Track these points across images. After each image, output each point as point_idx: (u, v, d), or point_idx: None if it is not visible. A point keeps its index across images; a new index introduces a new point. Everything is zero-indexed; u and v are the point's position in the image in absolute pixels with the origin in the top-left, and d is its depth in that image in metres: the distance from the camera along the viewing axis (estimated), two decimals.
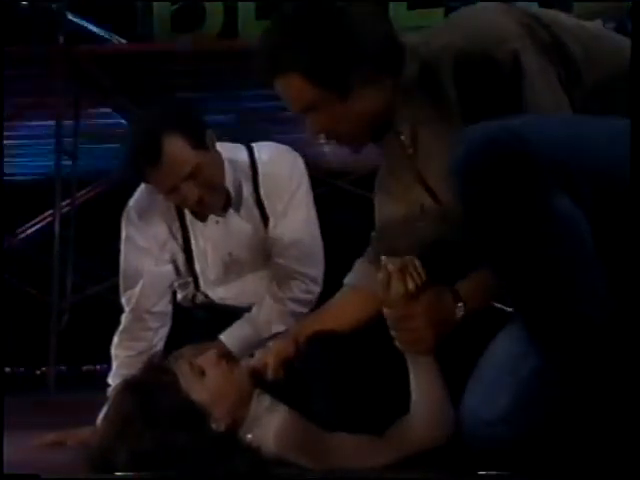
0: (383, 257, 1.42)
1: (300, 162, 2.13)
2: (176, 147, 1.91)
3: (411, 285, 1.39)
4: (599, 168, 1.18)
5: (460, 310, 1.40)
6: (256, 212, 2.09)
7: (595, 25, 1.40)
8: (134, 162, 1.95)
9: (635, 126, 1.17)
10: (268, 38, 1.44)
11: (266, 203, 2.08)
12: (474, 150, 1.18)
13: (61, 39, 4.25)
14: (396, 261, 1.40)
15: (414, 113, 1.43)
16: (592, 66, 1.33)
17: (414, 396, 1.41)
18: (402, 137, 1.47)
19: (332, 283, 2.08)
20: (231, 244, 2.11)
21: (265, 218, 2.09)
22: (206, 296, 2.19)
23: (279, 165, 2.10)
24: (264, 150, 2.14)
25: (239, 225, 2.09)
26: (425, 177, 1.48)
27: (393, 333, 1.41)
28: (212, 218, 2.09)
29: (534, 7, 1.47)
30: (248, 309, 2.14)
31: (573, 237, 1.16)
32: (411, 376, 1.42)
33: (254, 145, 2.15)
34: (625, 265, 1.16)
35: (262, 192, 2.08)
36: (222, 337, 2.05)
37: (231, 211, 2.08)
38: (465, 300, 1.39)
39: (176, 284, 2.18)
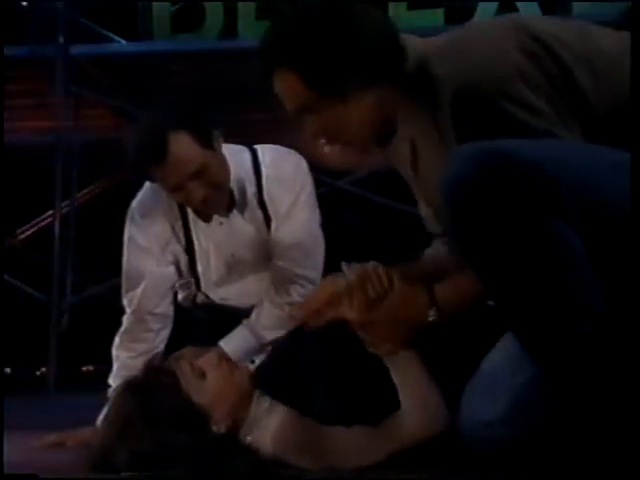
0: (344, 264, 1.43)
1: (304, 164, 2.12)
2: (182, 145, 1.91)
3: (372, 293, 1.40)
4: (592, 194, 1.17)
5: (432, 314, 1.40)
6: (259, 214, 2.09)
7: (616, 46, 1.34)
8: (139, 159, 1.94)
9: (636, 128, 1.16)
10: (267, 37, 1.44)
11: (269, 205, 2.08)
12: (462, 171, 1.18)
13: (61, 39, 4.26)
14: (357, 269, 1.41)
15: (414, 133, 1.41)
16: (602, 94, 1.29)
17: (399, 392, 1.42)
18: (405, 154, 1.46)
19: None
20: (234, 245, 2.10)
21: (268, 220, 2.09)
22: (207, 297, 2.19)
23: (282, 168, 2.10)
24: (267, 152, 2.13)
25: (242, 226, 2.09)
26: (426, 196, 1.49)
27: (362, 337, 1.43)
28: (216, 219, 2.08)
29: (539, 20, 1.41)
30: (249, 310, 2.14)
31: (564, 255, 1.16)
32: (392, 374, 1.43)
33: (257, 147, 2.15)
34: (621, 283, 1.16)
35: (265, 194, 2.08)
36: (221, 343, 2.05)
37: (235, 212, 2.08)
38: (441, 305, 1.39)
39: (177, 284, 2.17)
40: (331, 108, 1.39)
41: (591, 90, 1.29)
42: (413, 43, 1.41)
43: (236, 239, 2.09)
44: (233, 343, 2.05)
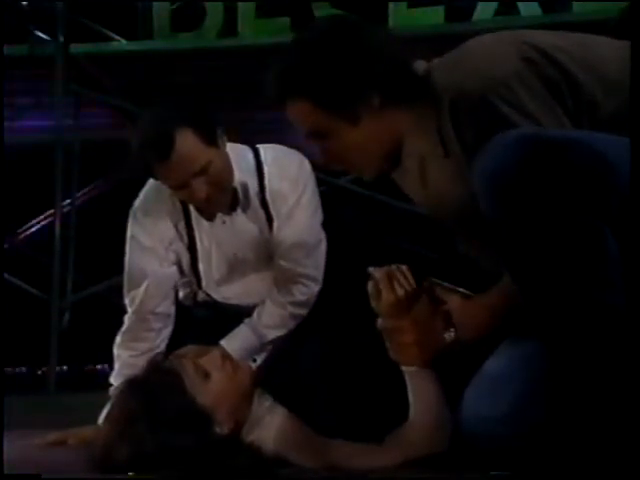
0: (370, 268, 1.43)
1: (306, 165, 2.12)
2: (187, 143, 1.90)
3: (400, 292, 1.40)
4: (625, 185, 1.17)
5: (450, 335, 1.40)
6: (261, 213, 2.08)
7: (617, 52, 1.34)
8: (144, 156, 1.93)
9: (635, 128, 1.16)
10: (280, 62, 1.43)
11: (271, 205, 2.08)
12: (506, 158, 1.17)
13: (61, 38, 4.25)
14: (382, 270, 1.42)
15: (422, 149, 1.41)
16: (609, 98, 1.29)
17: (412, 406, 1.42)
18: (412, 170, 1.45)
19: (332, 281, 2.08)
20: (236, 244, 2.10)
21: (270, 219, 2.08)
22: (208, 295, 2.19)
23: (285, 167, 2.10)
24: (270, 152, 2.13)
25: (245, 225, 2.09)
26: (435, 210, 1.49)
27: (387, 344, 1.43)
28: (219, 218, 2.08)
29: (540, 32, 1.42)
30: (250, 308, 2.14)
31: (598, 253, 1.15)
32: (408, 387, 1.43)
33: (260, 147, 2.15)
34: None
35: (267, 194, 2.08)
36: (223, 342, 2.05)
37: (238, 211, 2.07)
38: (457, 327, 1.39)
39: (179, 283, 2.17)
40: (345, 133, 1.40)
41: (598, 94, 1.29)
42: (417, 62, 1.42)
43: (238, 238, 2.09)
44: (235, 342, 2.05)
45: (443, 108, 1.32)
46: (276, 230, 2.07)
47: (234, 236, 2.09)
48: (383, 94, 1.38)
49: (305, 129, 1.43)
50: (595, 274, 1.16)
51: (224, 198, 2.02)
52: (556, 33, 1.42)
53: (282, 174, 2.08)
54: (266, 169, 2.09)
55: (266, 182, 2.08)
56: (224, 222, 2.08)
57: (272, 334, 2.09)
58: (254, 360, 2.05)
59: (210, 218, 2.08)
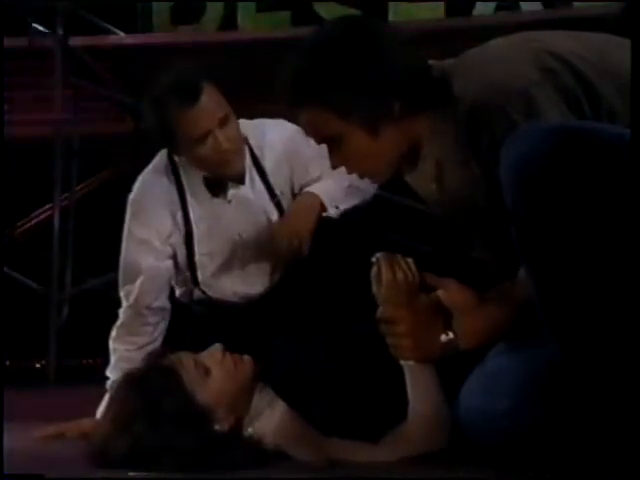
0: (376, 254, 1.43)
1: (289, 125, 2.12)
2: (212, 90, 1.97)
3: (400, 275, 1.40)
4: None
5: (446, 337, 1.39)
6: (263, 190, 2.10)
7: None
8: (168, 105, 1.94)
9: (635, 128, 1.15)
10: (295, 66, 1.40)
11: (272, 181, 2.09)
12: (539, 147, 1.15)
13: (60, 31, 4.24)
14: (386, 253, 1.44)
15: (440, 153, 1.39)
16: (628, 105, 1.26)
17: (411, 403, 1.41)
18: (428, 172, 1.44)
19: (331, 278, 2.08)
20: (240, 225, 2.10)
21: (273, 196, 2.10)
22: (204, 292, 2.17)
23: (285, 144, 2.12)
24: (272, 129, 2.15)
25: (249, 203, 2.09)
26: (448, 212, 1.48)
27: (385, 337, 1.43)
28: (223, 198, 2.08)
29: (557, 36, 1.39)
30: (248, 304, 2.13)
31: (623, 246, 1.13)
32: (407, 383, 1.42)
33: (261, 122, 2.17)
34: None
35: (268, 171, 2.09)
36: (310, 189, 2.08)
37: (242, 188, 2.08)
38: (457, 333, 1.38)
39: (174, 281, 2.16)
40: (362, 140, 1.38)
41: (617, 104, 1.28)
42: (432, 64, 1.40)
43: (242, 218, 2.09)
44: (318, 186, 2.07)
45: (460, 116, 1.31)
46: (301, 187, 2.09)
47: (238, 215, 2.09)
48: (404, 101, 1.36)
49: (319, 136, 1.41)
50: (620, 274, 1.13)
51: (239, 160, 2.03)
52: (573, 36, 1.40)
53: (275, 140, 2.12)
54: (267, 147, 2.11)
55: (266, 159, 2.10)
56: (230, 201, 2.08)
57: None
58: (336, 207, 2.06)
59: (216, 194, 2.08)
